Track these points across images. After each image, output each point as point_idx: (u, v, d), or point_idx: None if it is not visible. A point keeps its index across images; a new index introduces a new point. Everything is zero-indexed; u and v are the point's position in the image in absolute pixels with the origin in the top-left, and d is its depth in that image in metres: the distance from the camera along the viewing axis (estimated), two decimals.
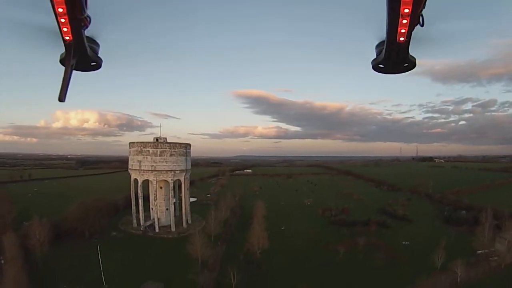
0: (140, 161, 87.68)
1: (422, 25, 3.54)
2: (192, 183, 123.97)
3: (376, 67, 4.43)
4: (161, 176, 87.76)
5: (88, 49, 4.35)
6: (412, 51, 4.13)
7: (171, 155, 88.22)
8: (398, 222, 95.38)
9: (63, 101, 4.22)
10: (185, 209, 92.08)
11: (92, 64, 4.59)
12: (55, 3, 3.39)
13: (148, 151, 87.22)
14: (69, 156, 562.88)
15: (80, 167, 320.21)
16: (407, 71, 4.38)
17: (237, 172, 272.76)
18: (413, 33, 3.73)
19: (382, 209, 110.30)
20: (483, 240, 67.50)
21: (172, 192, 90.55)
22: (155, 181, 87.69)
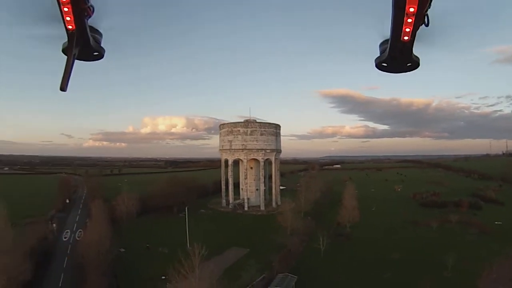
0: (231, 140, 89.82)
1: (427, 25, 3.52)
2: (281, 175, 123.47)
3: (379, 65, 4.30)
4: (252, 155, 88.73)
5: (91, 38, 4.26)
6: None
7: (261, 134, 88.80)
8: (490, 205, 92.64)
9: (65, 91, 4.08)
10: (275, 189, 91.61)
11: (94, 54, 4.50)
12: None
13: (239, 130, 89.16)
14: (158, 159, 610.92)
15: (169, 167, 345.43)
16: (410, 70, 4.28)
17: (327, 167, 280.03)
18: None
19: (472, 194, 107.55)
20: None
21: (263, 171, 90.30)
22: (245, 160, 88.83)
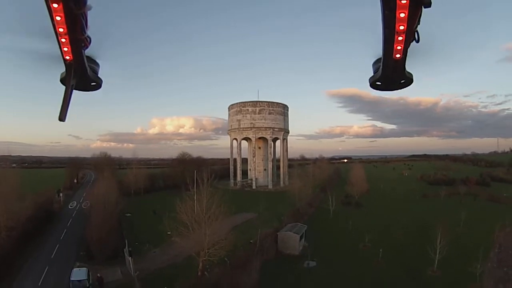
0: (240, 120, 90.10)
1: (417, 41, 3.49)
2: (289, 166, 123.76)
3: (373, 84, 4.23)
4: (260, 133, 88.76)
5: (88, 69, 4.19)
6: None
7: (269, 113, 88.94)
8: (498, 183, 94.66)
9: (64, 121, 4.00)
10: (283, 168, 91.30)
11: (92, 84, 4.40)
12: (56, 23, 3.27)
13: (247, 109, 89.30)
14: (166, 159, 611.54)
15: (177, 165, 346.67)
16: (404, 87, 4.22)
17: (334, 161, 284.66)
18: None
19: (480, 174, 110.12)
20: None
21: (271, 149, 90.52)
22: (254, 139, 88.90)
